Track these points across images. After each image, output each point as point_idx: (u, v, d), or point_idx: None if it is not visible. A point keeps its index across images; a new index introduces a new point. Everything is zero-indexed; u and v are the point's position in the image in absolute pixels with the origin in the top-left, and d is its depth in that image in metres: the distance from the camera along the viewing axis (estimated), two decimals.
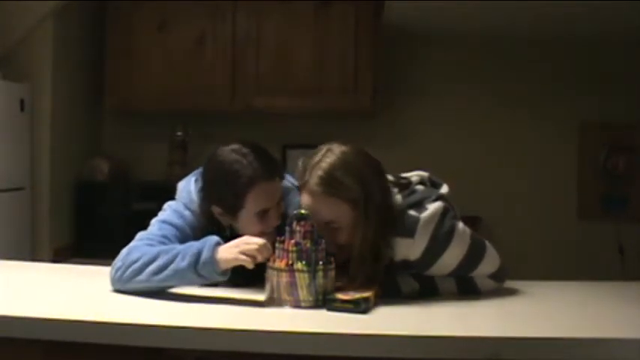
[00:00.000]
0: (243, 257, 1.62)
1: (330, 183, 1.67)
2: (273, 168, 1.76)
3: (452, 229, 1.73)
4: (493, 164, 3.86)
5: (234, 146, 1.77)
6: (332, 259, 1.67)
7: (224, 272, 1.65)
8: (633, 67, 3.82)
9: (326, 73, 3.59)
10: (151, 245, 1.74)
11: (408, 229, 1.69)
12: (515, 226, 3.76)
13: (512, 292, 1.85)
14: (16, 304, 1.61)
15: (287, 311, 1.60)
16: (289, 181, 1.89)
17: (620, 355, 1.41)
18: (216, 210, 1.79)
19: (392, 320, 1.55)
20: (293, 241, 1.65)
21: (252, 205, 1.74)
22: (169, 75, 3.64)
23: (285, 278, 1.62)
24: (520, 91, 3.88)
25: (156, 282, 1.68)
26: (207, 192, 1.80)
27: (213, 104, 3.63)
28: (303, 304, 1.61)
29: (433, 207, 1.72)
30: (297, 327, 1.47)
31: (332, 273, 1.66)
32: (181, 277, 1.67)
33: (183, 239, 1.78)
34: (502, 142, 3.89)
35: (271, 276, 1.65)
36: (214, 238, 1.68)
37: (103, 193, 3.61)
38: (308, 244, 1.64)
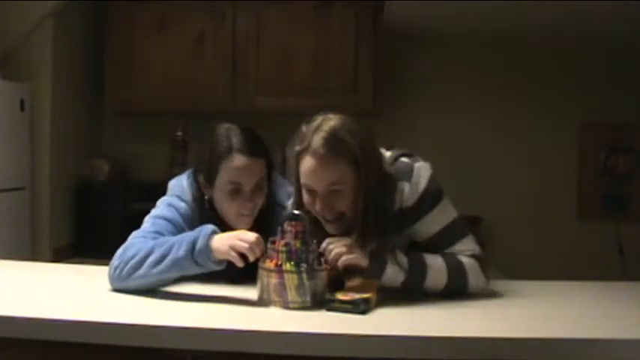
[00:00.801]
0: (234, 254, 1.62)
1: (334, 143, 1.67)
2: (254, 147, 1.80)
3: (441, 191, 1.77)
4: (493, 164, 3.86)
5: (228, 124, 1.85)
6: (323, 260, 1.66)
7: (220, 262, 1.66)
8: (633, 67, 3.82)
9: (326, 73, 3.59)
10: (146, 241, 1.75)
11: (404, 173, 1.75)
12: (515, 226, 3.76)
13: (511, 292, 1.85)
14: (16, 304, 1.61)
15: (286, 312, 1.60)
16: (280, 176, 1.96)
17: (620, 355, 1.41)
18: (200, 179, 1.84)
19: (391, 320, 1.55)
20: (283, 242, 1.64)
21: (224, 173, 1.78)
22: (169, 75, 3.63)
23: (274, 279, 1.62)
24: (520, 91, 3.88)
25: (155, 274, 1.69)
26: (196, 159, 1.88)
27: (214, 104, 3.63)
28: (291, 306, 1.61)
29: (424, 162, 1.79)
30: (297, 327, 1.47)
31: (323, 274, 1.65)
32: (180, 267, 1.68)
33: (177, 232, 1.80)
34: (502, 142, 3.89)
35: (261, 276, 1.65)
36: (210, 227, 1.69)
37: (103, 193, 3.61)
38: (298, 245, 1.63)
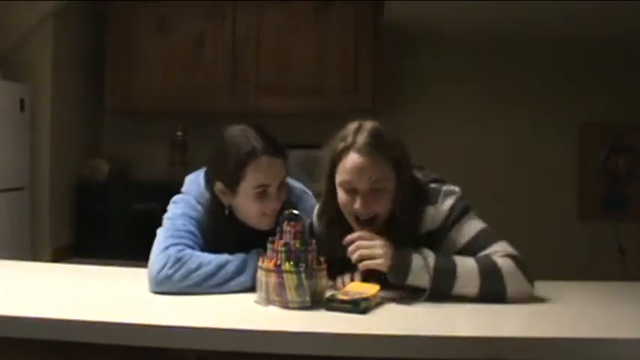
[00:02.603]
0: None
1: (378, 142, 1.72)
2: (275, 146, 1.81)
3: (468, 208, 1.78)
4: (493, 164, 3.86)
5: (240, 126, 1.84)
6: (323, 259, 1.66)
7: None
8: (633, 67, 3.82)
9: (326, 73, 3.59)
10: (191, 246, 1.78)
11: (432, 198, 1.76)
12: (516, 226, 3.75)
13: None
14: (16, 304, 1.61)
15: (287, 311, 1.59)
16: (301, 187, 1.96)
17: (620, 355, 1.41)
18: (219, 187, 1.82)
19: (392, 320, 1.55)
20: (282, 242, 1.64)
21: (251, 177, 1.77)
22: (169, 75, 3.64)
23: (273, 279, 1.61)
24: (520, 91, 3.88)
25: (211, 290, 1.72)
26: (212, 167, 1.84)
27: (213, 104, 3.63)
28: (290, 305, 1.60)
29: (452, 187, 1.81)
30: (297, 327, 1.47)
31: (322, 274, 1.65)
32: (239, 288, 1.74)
33: (198, 231, 1.82)
34: (502, 142, 3.89)
35: (261, 276, 1.65)
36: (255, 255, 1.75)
37: (103, 193, 3.61)
38: (297, 245, 1.63)
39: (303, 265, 1.61)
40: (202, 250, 1.81)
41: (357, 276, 1.76)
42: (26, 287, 1.84)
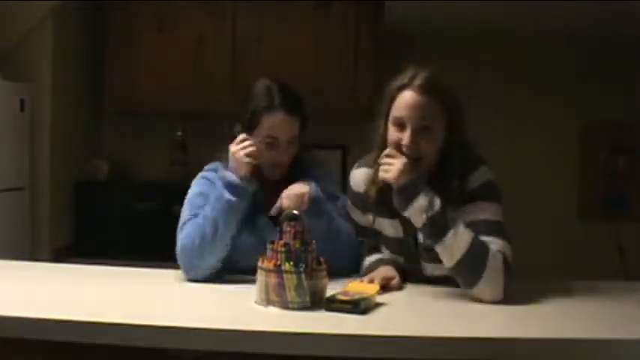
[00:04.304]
0: (247, 153, 1.88)
1: (434, 84, 1.80)
2: (292, 104, 1.96)
3: (500, 198, 1.85)
4: (493, 164, 3.83)
5: (267, 80, 2.02)
6: (322, 260, 1.66)
7: (248, 180, 1.88)
8: (633, 67, 3.82)
9: (326, 73, 3.58)
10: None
11: (476, 163, 1.88)
12: (516, 226, 3.74)
13: (512, 293, 1.84)
14: (16, 304, 1.61)
15: (286, 312, 1.59)
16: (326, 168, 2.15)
17: (621, 355, 1.41)
18: (238, 128, 1.98)
19: (391, 320, 1.55)
20: (282, 242, 1.64)
21: (264, 127, 1.93)
22: (169, 75, 3.63)
23: (273, 279, 1.61)
24: (520, 91, 3.88)
25: (217, 232, 1.86)
26: (235, 113, 2.02)
27: (213, 104, 3.62)
28: (290, 306, 1.60)
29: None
30: (297, 327, 1.47)
31: (322, 274, 1.65)
32: (224, 209, 1.86)
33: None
34: (502, 143, 3.88)
35: (260, 276, 1.65)
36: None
37: (103, 193, 3.61)
38: (297, 245, 1.63)
39: (303, 266, 1.61)
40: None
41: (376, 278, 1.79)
42: (26, 287, 1.84)
